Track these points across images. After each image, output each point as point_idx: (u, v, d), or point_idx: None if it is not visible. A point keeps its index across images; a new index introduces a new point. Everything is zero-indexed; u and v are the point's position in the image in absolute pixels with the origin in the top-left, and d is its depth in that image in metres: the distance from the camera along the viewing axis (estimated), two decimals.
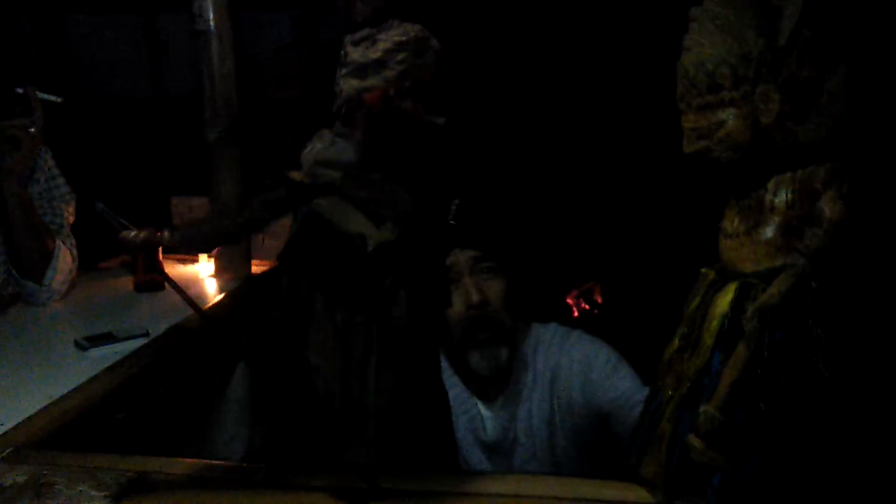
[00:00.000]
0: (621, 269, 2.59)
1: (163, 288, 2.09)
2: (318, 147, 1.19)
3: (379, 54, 1.19)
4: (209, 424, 1.73)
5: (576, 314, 2.53)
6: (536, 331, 1.70)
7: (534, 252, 2.12)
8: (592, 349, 1.64)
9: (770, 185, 0.99)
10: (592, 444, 1.61)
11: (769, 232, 0.98)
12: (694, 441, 0.98)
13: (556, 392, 1.63)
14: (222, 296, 2.03)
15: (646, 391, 1.56)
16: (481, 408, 1.66)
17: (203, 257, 2.30)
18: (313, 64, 3.23)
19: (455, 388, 1.64)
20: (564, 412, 1.62)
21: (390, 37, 1.20)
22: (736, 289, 1.00)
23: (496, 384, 1.64)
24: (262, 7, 3.62)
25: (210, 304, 1.97)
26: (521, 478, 1.22)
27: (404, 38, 1.20)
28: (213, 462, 1.28)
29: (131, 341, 1.70)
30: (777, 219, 0.98)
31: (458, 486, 1.16)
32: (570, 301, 2.54)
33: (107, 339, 1.70)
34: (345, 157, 1.16)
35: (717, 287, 1.03)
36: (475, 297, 1.57)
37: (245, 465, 1.25)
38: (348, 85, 1.20)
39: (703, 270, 1.07)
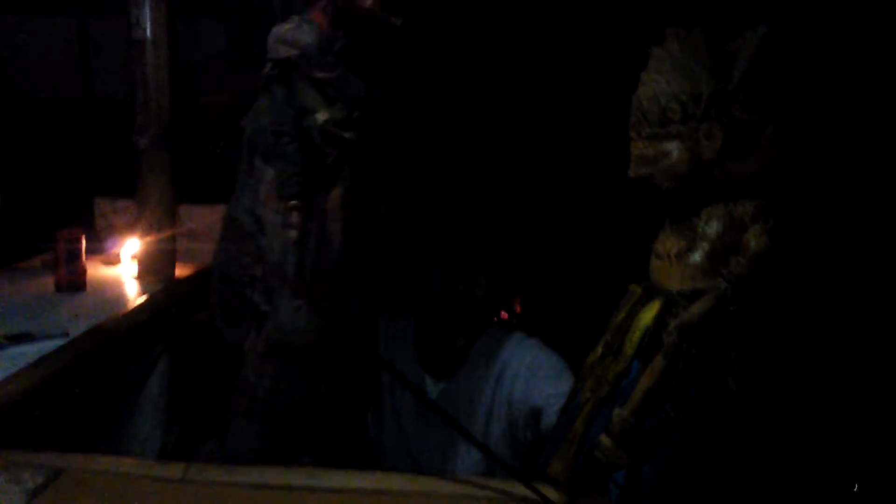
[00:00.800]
0: (541, 279, 2.68)
1: (84, 288, 2.08)
2: (283, 28, 1.33)
3: None
4: (126, 423, 1.74)
5: (494, 321, 2.61)
6: (498, 331, 1.84)
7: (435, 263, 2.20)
8: (543, 355, 1.76)
9: (703, 215, 1.09)
10: (522, 438, 1.73)
11: (698, 257, 1.08)
12: (605, 440, 1.06)
13: (501, 386, 1.75)
14: (144, 298, 2.03)
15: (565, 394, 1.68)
16: (428, 382, 1.79)
17: (126, 258, 2.30)
18: (246, 73, 3.24)
19: (405, 361, 1.78)
20: (503, 404, 1.74)
21: None
22: (660, 305, 1.09)
23: (451, 364, 1.77)
24: (197, 14, 3.61)
25: (131, 305, 1.97)
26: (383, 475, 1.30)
27: None
28: (129, 458, 1.30)
29: (51, 341, 1.70)
30: (706, 245, 1.08)
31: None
32: None
33: (26, 338, 1.70)
34: (305, 39, 1.30)
35: (642, 302, 1.12)
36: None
37: (161, 461, 1.28)
38: None
39: (632, 287, 1.16)
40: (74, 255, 2.10)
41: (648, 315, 1.10)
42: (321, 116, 1.29)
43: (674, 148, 1.06)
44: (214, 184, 2.58)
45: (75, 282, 2.10)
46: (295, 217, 1.30)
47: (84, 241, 2.12)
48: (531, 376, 1.73)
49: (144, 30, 2.15)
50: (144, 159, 2.19)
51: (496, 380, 1.75)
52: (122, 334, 1.81)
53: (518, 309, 2.71)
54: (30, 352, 1.63)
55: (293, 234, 1.30)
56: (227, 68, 3.51)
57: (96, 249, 2.40)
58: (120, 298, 2.04)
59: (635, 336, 1.10)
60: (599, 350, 1.15)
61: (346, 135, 1.31)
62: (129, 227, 2.37)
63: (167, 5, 2.17)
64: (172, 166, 2.22)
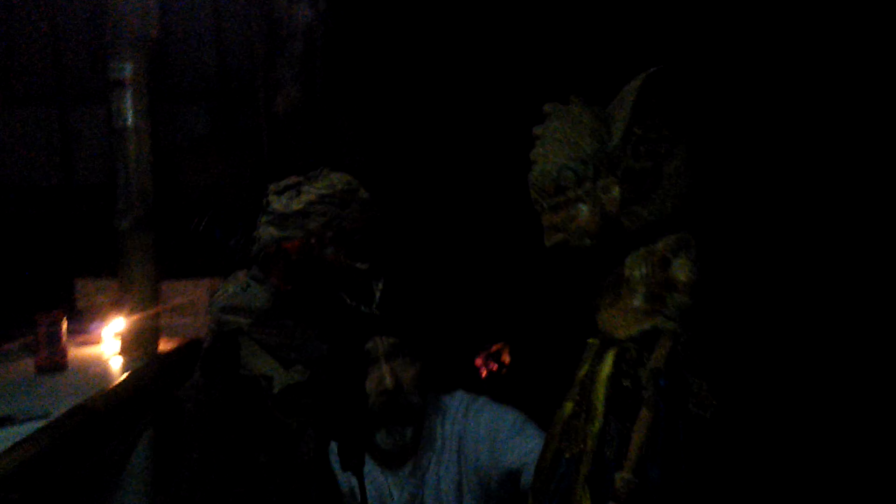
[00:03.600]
0: (529, 330, 2.67)
1: (65, 368, 2.05)
2: (229, 291, 1.18)
3: (302, 206, 1.21)
4: (111, 500, 1.69)
5: (484, 374, 2.58)
6: (443, 401, 1.74)
7: (447, 324, 2.18)
8: (498, 413, 1.69)
9: (628, 262, 1.12)
10: (500, 501, 1.66)
11: (635, 301, 1.10)
12: None
13: (464, 456, 1.67)
14: (127, 374, 2.00)
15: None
16: (388, 477, 1.68)
17: (109, 337, 2.27)
18: (230, 153, 3.28)
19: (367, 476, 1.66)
20: (472, 475, 1.66)
21: (316, 189, 1.23)
22: (614, 355, 1.10)
23: (401, 456, 1.68)
24: (179, 99, 3.67)
25: (115, 382, 1.94)
26: None
27: (330, 192, 1.23)
28: None
29: (32, 423, 1.66)
30: (639, 289, 1.11)
31: None
32: (478, 363, 2.59)
33: (7, 421, 1.66)
34: (256, 304, 1.16)
35: (599, 355, 1.13)
36: (389, 383, 1.61)
37: None
38: (267, 233, 1.22)
39: (590, 341, 1.17)
40: (55, 337, 2.08)
41: (606, 367, 1.11)
42: (278, 385, 1.15)
43: (578, 210, 1.11)
44: (197, 258, 2.59)
45: (56, 363, 2.07)
46: None
47: (65, 323, 2.10)
48: (494, 438, 1.65)
49: (125, 119, 2.16)
50: (127, 241, 2.19)
51: (457, 453, 1.68)
52: (105, 411, 1.78)
53: (507, 360, 2.69)
54: (11, 435, 1.58)
55: None
56: (210, 149, 3.54)
57: (78, 330, 2.38)
58: (102, 376, 2.02)
59: (600, 390, 1.11)
60: (570, 406, 1.15)
61: (308, 401, 1.18)
62: (112, 307, 2.36)
63: (149, 93, 2.19)
64: (156, 246, 2.22)
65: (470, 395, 1.75)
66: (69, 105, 3.93)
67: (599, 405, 1.10)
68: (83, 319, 2.46)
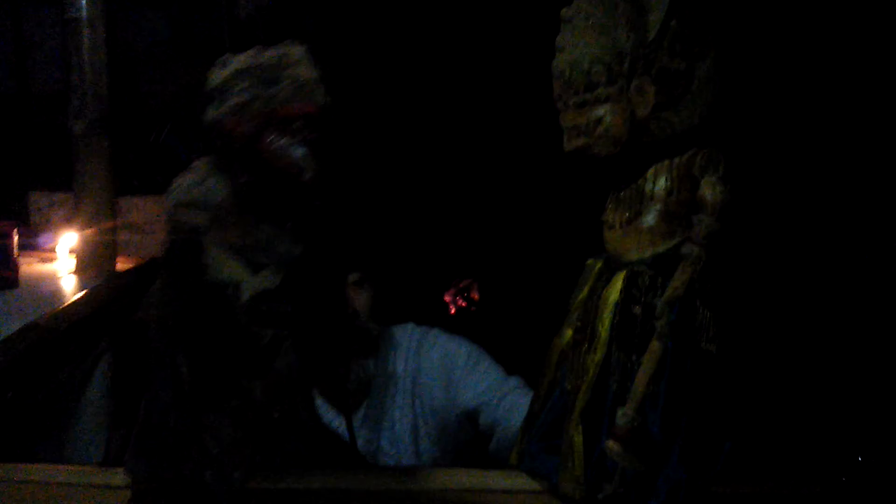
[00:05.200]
0: (497, 265, 2.63)
1: (16, 285, 1.95)
2: (185, 184, 1.01)
3: (219, 81, 1.03)
4: (66, 429, 1.62)
5: (453, 311, 2.54)
6: (395, 337, 1.64)
7: (406, 255, 2.11)
8: (451, 348, 1.60)
9: (649, 175, 1.00)
10: (457, 441, 1.59)
11: (650, 220, 1.00)
12: (613, 446, 0.96)
13: (418, 396, 1.59)
14: (82, 293, 1.91)
15: (512, 381, 1.55)
16: (343, 422, 1.61)
17: (63, 253, 2.17)
18: (191, 61, 3.14)
19: (316, 403, 1.58)
20: (428, 415, 1.59)
21: (239, 60, 1.04)
22: (624, 278, 1.01)
23: (358, 396, 1.60)
24: (138, 2, 3.49)
25: (68, 301, 1.84)
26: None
27: (247, 65, 1.04)
28: (70, 466, 1.20)
29: None
30: (658, 206, 1.00)
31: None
32: (447, 299, 2.55)
33: None
34: (214, 198, 1.00)
35: (604, 278, 1.05)
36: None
37: (104, 468, 1.18)
38: (209, 113, 1.04)
39: (590, 261, 1.08)
40: (5, 250, 1.97)
41: (614, 292, 1.01)
42: (246, 291, 0.98)
43: (606, 112, 0.99)
44: (157, 174, 2.48)
45: (7, 278, 1.97)
46: None
47: (16, 235, 1.99)
48: (449, 377, 1.56)
49: (79, 9, 2.06)
50: (81, 146, 2.08)
51: (412, 394, 1.59)
52: (59, 333, 1.69)
53: (476, 296, 2.66)
54: None
55: None
56: (171, 56, 3.39)
57: (31, 245, 2.27)
58: (56, 295, 1.92)
59: (605, 317, 1.02)
60: (568, 334, 1.07)
61: (282, 308, 1.01)
62: (67, 222, 2.27)
63: None
64: (111, 154, 2.11)
65: (421, 329, 1.65)
66: (23, 9, 3.75)
67: (604, 333, 1.01)
68: (37, 235, 2.36)
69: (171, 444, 1.03)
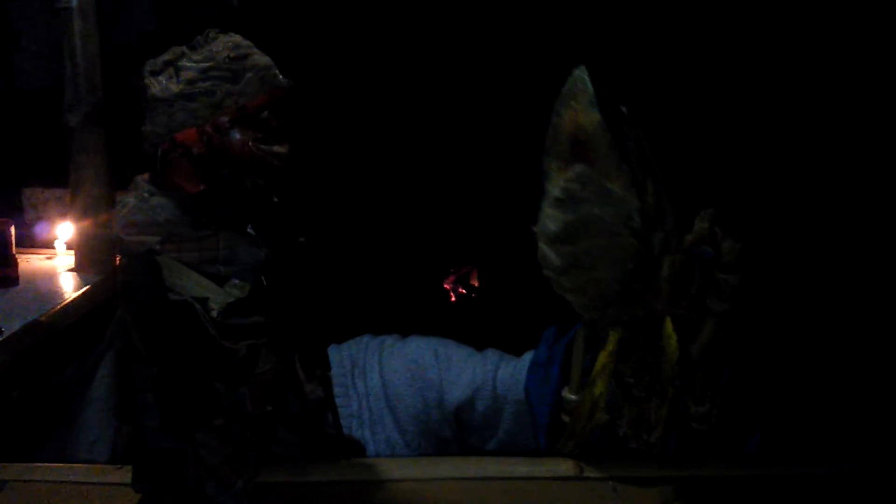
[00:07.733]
0: (497, 252, 2.62)
1: (17, 283, 1.94)
2: (129, 205, 0.99)
3: (181, 87, 1.01)
4: (72, 427, 1.62)
5: (453, 299, 2.55)
6: (348, 353, 1.56)
7: (392, 242, 2.10)
8: (411, 352, 1.53)
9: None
10: (438, 441, 1.51)
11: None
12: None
13: (392, 407, 1.50)
14: (84, 290, 1.90)
15: (490, 357, 1.51)
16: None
17: (62, 249, 2.16)
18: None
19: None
20: (406, 424, 1.50)
21: (195, 63, 1.02)
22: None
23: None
24: None
25: (68, 299, 1.84)
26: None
27: (211, 63, 1.01)
28: (77, 465, 1.21)
29: None
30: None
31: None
32: (447, 286, 2.55)
33: None
34: (161, 216, 0.96)
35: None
36: None
37: (111, 465, 1.18)
38: (153, 125, 1.01)
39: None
40: (4, 248, 1.95)
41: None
42: (214, 307, 0.93)
43: None
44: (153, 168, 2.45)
45: (8, 276, 1.95)
46: None
47: (13, 231, 1.98)
48: (422, 382, 1.48)
49: None
50: (76, 139, 2.06)
51: (383, 404, 1.49)
52: (62, 330, 1.69)
53: (476, 283, 2.66)
54: None
55: None
56: (158, 47, 3.35)
57: (28, 242, 2.26)
58: (58, 292, 1.90)
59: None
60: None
61: (253, 320, 0.96)
62: (62, 218, 2.27)
63: None
64: (107, 147, 2.09)
65: (375, 340, 1.57)
66: (9, 1, 3.71)
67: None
68: (32, 231, 2.35)
69: (169, 463, 1.03)
